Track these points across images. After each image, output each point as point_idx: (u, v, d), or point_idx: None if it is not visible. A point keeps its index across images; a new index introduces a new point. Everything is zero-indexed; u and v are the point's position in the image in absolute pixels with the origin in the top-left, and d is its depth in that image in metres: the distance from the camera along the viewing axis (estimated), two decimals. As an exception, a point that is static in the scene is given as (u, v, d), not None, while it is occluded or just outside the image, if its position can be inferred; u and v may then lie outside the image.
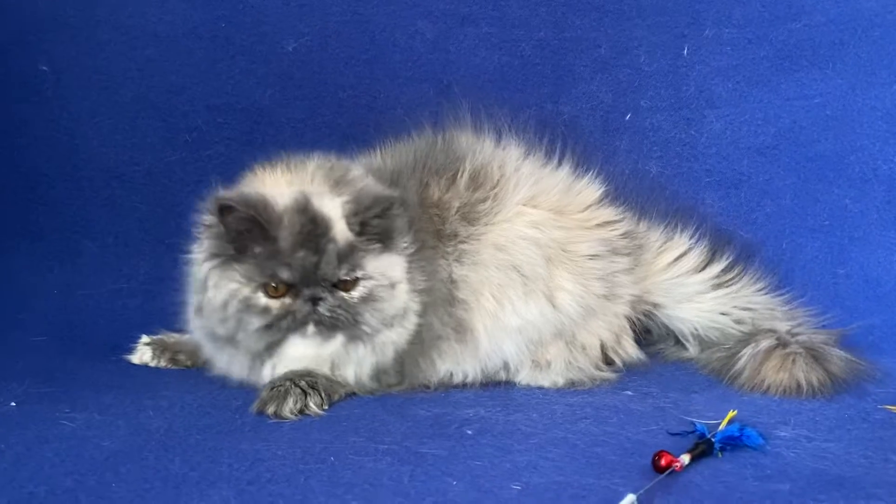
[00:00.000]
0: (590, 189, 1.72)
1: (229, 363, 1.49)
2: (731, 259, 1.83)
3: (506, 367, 1.60)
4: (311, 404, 1.40)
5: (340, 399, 1.49)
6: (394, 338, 1.48)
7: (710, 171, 2.01)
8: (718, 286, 1.80)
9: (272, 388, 1.41)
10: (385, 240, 1.44)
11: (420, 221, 1.53)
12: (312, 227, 1.38)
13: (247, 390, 1.49)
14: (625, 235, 1.70)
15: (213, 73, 1.99)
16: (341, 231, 1.40)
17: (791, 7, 1.96)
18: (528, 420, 1.38)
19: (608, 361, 1.68)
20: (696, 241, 1.84)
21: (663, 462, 1.16)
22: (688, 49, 1.99)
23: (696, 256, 1.82)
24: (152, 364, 1.70)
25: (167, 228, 1.94)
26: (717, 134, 2.00)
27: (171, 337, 1.74)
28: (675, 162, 2.02)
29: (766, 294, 1.83)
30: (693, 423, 1.32)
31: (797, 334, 1.67)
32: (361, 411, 1.43)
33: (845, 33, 1.94)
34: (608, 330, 1.65)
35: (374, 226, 1.42)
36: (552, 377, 1.60)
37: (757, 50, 1.97)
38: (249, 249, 1.38)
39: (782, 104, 1.98)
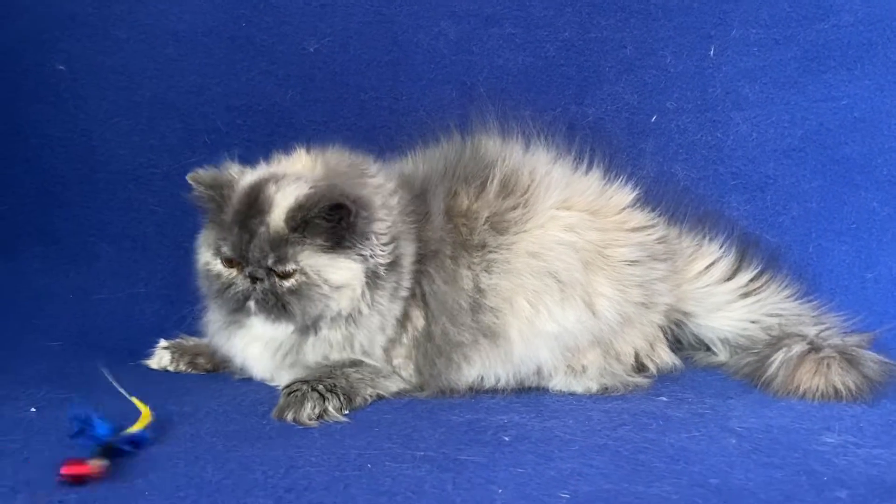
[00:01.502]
0: (622, 192, 1.69)
1: (210, 322, 1.56)
2: (759, 267, 1.81)
3: (539, 372, 1.56)
4: (331, 408, 1.39)
5: (364, 403, 1.46)
6: (339, 338, 1.46)
7: (737, 173, 1.98)
8: (747, 294, 1.78)
9: (289, 393, 1.40)
10: (338, 240, 1.41)
11: (442, 231, 1.51)
12: (248, 208, 1.40)
13: (272, 394, 1.47)
14: (660, 240, 1.67)
15: (233, 74, 1.96)
16: (276, 219, 1.40)
17: (819, 7, 1.94)
18: (565, 426, 1.35)
19: (641, 368, 1.64)
20: (725, 249, 1.82)
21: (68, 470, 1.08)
22: (714, 50, 1.96)
23: (726, 265, 1.80)
24: (171, 368, 1.68)
25: (185, 231, 1.87)
26: (744, 136, 1.98)
27: (190, 340, 1.71)
28: (700, 164, 1.99)
29: (794, 300, 1.81)
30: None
31: (828, 338, 1.64)
32: (392, 416, 1.40)
33: (874, 34, 1.92)
34: (643, 338, 1.62)
35: (319, 227, 1.40)
36: (586, 383, 1.56)
37: (784, 51, 1.95)
38: (214, 217, 1.46)
39: (809, 106, 1.96)
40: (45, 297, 1.95)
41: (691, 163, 1.99)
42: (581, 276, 1.52)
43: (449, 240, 1.52)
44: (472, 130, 1.68)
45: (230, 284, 1.43)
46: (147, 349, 1.72)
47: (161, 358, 1.68)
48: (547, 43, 1.97)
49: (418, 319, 1.51)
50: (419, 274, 1.50)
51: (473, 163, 1.59)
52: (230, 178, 1.47)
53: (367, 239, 1.43)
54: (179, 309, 1.87)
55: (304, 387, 1.40)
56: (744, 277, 1.79)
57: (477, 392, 1.54)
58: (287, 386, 1.43)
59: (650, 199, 1.79)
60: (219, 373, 1.65)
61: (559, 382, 1.57)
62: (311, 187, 1.42)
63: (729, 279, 1.79)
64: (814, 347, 1.60)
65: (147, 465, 1.15)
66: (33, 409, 1.38)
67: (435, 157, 1.62)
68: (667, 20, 1.96)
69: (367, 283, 1.44)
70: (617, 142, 1.96)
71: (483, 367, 1.53)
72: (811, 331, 1.67)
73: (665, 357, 1.68)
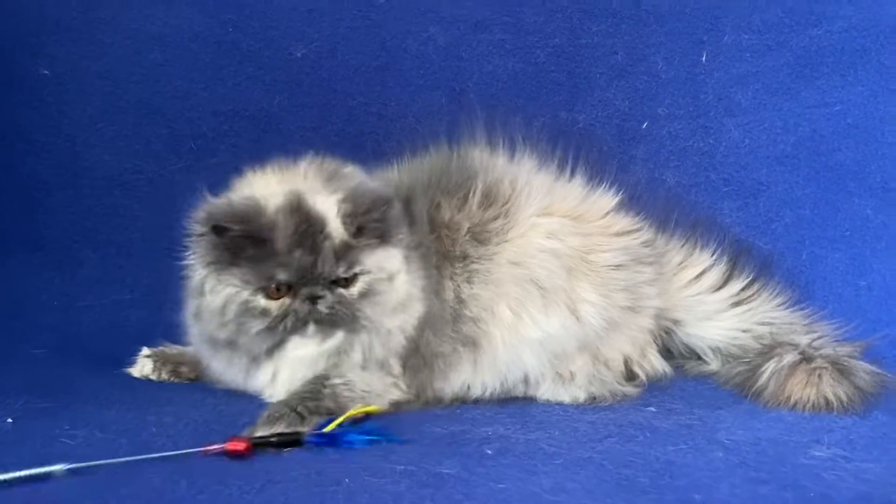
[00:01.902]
0: (606, 197, 1.68)
1: (226, 367, 1.48)
2: (751, 275, 1.80)
3: (526, 380, 1.54)
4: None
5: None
6: (398, 324, 1.45)
7: (729, 180, 1.97)
8: (738, 303, 1.76)
9: (268, 416, 1.34)
10: (382, 235, 1.41)
11: (428, 241, 1.50)
12: (307, 226, 1.35)
13: (254, 404, 1.44)
14: (646, 244, 1.65)
15: (219, 79, 1.94)
16: (337, 229, 1.37)
17: (812, 13, 1.92)
18: (550, 438, 1.32)
19: (631, 376, 1.62)
20: (717, 257, 1.80)
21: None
22: (706, 55, 1.95)
23: (717, 273, 1.78)
24: (153, 377, 1.64)
25: (171, 238, 1.83)
26: (736, 142, 1.96)
27: (174, 349, 1.68)
28: (692, 171, 1.98)
29: (786, 308, 1.79)
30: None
31: (820, 347, 1.62)
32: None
33: (867, 40, 1.91)
34: (632, 344, 1.60)
35: (371, 227, 1.39)
36: (574, 392, 1.54)
37: (777, 57, 1.94)
38: (245, 254, 1.36)
39: (802, 112, 1.94)
40: (28, 304, 1.93)
41: (683, 169, 1.98)
42: (564, 282, 1.50)
43: (434, 250, 1.51)
44: (461, 137, 1.66)
45: (285, 315, 1.36)
46: (132, 357, 1.68)
47: (143, 366, 1.65)
48: (537, 49, 1.96)
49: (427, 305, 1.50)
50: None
51: (458, 174, 1.57)
52: (252, 204, 1.37)
53: (397, 226, 1.44)
54: (165, 316, 1.86)
55: (285, 409, 1.34)
56: (735, 286, 1.78)
57: (463, 402, 1.52)
58: (268, 409, 1.36)
59: (640, 205, 1.77)
60: (202, 382, 1.61)
61: (546, 391, 1.55)
62: (342, 194, 1.40)
63: (720, 288, 1.77)
64: (805, 357, 1.58)
65: (119, 480, 1.12)
66: (10, 420, 1.35)
67: (419, 168, 1.60)
68: (658, 26, 1.95)
69: (406, 266, 1.44)
70: (607, 148, 1.94)
71: (467, 375, 1.51)
72: (803, 340, 1.65)
73: (656, 364, 1.66)
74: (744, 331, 1.73)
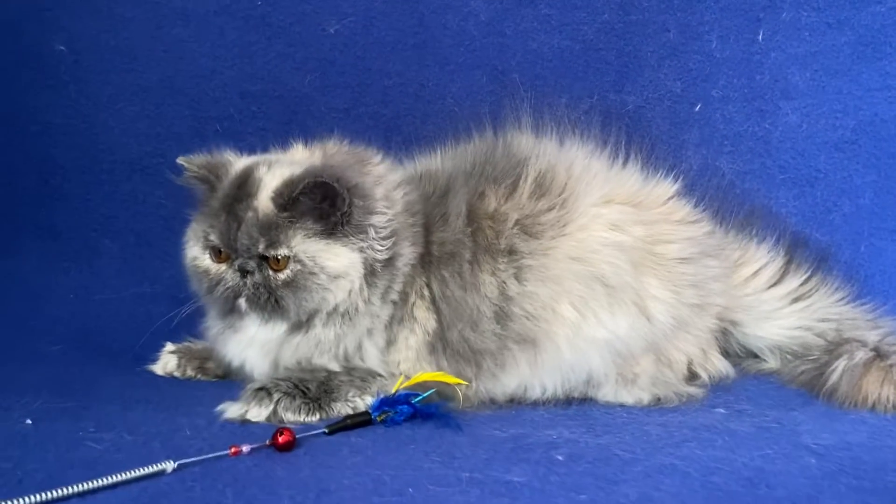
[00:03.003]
0: (664, 185, 1.56)
1: (209, 327, 1.46)
2: (808, 270, 1.71)
3: (588, 381, 1.43)
4: (281, 410, 1.30)
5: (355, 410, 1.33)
6: (331, 336, 1.36)
7: (785, 167, 1.88)
8: (797, 300, 1.67)
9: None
10: (329, 224, 1.32)
11: (461, 234, 1.40)
12: (236, 191, 1.33)
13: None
14: (710, 234, 1.54)
15: (246, 57, 1.86)
16: (265, 201, 1.32)
17: (876, -12, 1.82)
18: (622, 443, 1.21)
19: (692, 376, 1.51)
20: (772, 252, 1.71)
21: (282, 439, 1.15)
22: (763, 34, 1.85)
23: (773, 269, 1.69)
24: (178, 374, 1.57)
25: None
26: (793, 127, 1.87)
27: (199, 344, 1.60)
28: (747, 157, 1.88)
29: (846, 304, 1.69)
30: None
31: (892, 344, 1.52)
32: (427, 431, 1.26)
33: (935, 18, 1.81)
34: (696, 345, 1.50)
35: (302, 204, 1.30)
36: (637, 393, 1.43)
37: (837, 36, 1.84)
38: (202, 207, 1.38)
39: (863, 95, 1.85)
40: (43, 298, 1.85)
41: (737, 155, 1.89)
42: (631, 278, 1.39)
43: (469, 243, 1.40)
44: (504, 122, 1.57)
45: (219, 281, 1.34)
46: (153, 354, 1.60)
47: (167, 363, 1.57)
48: (585, 25, 1.86)
49: (428, 321, 1.40)
50: (430, 277, 1.40)
51: (504, 160, 1.47)
52: (225, 162, 1.40)
53: (364, 231, 1.33)
54: (189, 312, 1.76)
55: (269, 385, 1.33)
56: (793, 282, 1.68)
57: (519, 403, 1.41)
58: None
59: (693, 193, 1.66)
60: (230, 379, 1.50)
61: (608, 392, 1.44)
62: (303, 169, 1.34)
63: (777, 284, 1.68)
64: (879, 354, 1.48)
65: (160, 490, 1.01)
66: (28, 422, 1.24)
67: (463, 155, 1.51)
68: (713, 2, 1.85)
69: (364, 276, 1.34)
70: (658, 132, 1.85)
71: (524, 375, 1.40)
72: (871, 336, 1.55)
73: (718, 365, 1.55)
74: (805, 328, 1.63)
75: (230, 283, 1.32)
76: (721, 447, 1.20)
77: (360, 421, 1.27)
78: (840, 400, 1.43)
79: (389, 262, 1.35)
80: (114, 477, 1.01)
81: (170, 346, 1.60)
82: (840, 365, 1.47)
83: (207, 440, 1.19)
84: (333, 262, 1.32)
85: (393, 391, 1.33)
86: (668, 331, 1.42)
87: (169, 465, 1.06)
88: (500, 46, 1.85)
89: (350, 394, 1.35)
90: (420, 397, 1.31)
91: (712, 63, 1.86)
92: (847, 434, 1.27)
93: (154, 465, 1.05)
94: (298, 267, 1.30)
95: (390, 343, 1.39)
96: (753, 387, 1.55)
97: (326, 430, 1.23)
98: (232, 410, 1.31)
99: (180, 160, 1.39)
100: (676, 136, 1.87)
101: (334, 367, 1.37)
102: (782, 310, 1.65)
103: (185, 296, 1.73)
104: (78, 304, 1.83)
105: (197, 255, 1.37)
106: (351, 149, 1.46)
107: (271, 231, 1.29)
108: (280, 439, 1.15)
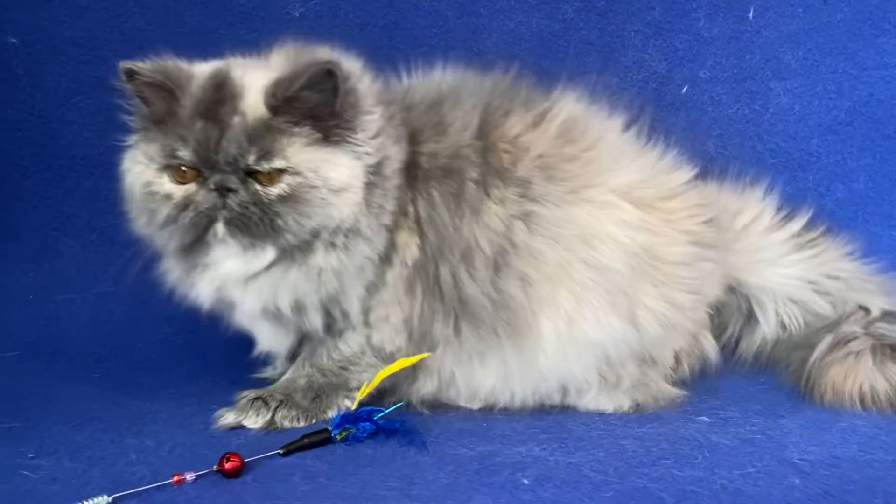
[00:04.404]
0: (681, 171, 1.44)
1: (167, 272, 1.29)
2: (810, 215, 1.62)
3: (563, 389, 1.34)
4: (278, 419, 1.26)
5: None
6: (334, 264, 1.20)
7: (776, 150, 1.83)
8: (801, 247, 1.58)
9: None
10: (325, 127, 1.17)
11: (468, 149, 1.27)
12: (215, 93, 1.14)
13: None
14: (710, 222, 1.42)
15: (208, 44, 1.68)
16: (254, 104, 1.15)
17: (874, -38, 1.76)
18: (595, 462, 1.14)
19: (678, 360, 1.43)
20: (769, 194, 1.63)
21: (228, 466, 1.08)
22: (754, 11, 1.79)
23: (772, 214, 1.60)
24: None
25: None
26: (785, 109, 1.82)
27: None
28: (736, 141, 1.84)
29: (855, 261, 1.60)
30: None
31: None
32: (389, 450, 1.19)
33: (936, -8, 1.75)
34: (686, 338, 1.41)
35: (300, 102, 1.14)
36: (619, 399, 1.35)
37: (833, 12, 1.78)
38: (155, 118, 1.18)
39: (858, 74, 1.80)
40: (1, 300, 1.76)
41: (726, 139, 1.84)
42: (628, 284, 1.29)
43: (478, 160, 1.27)
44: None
45: (187, 205, 1.15)
46: (117, 354, 1.57)
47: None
48: (565, 4, 1.79)
49: (409, 248, 1.27)
50: (415, 194, 1.26)
51: (534, 92, 1.37)
52: (181, 65, 1.20)
53: (356, 131, 1.19)
54: (153, 309, 1.70)
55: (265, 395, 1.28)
56: (794, 227, 1.60)
57: (490, 410, 1.34)
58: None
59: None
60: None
61: (590, 401, 1.35)
62: (286, 68, 1.19)
63: (777, 229, 1.59)
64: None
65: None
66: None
67: (476, 77, 1.38)
68: (701, -23, 1.77)
69: (365, 186, 1.19)
70: (643, 115, 1.75)
71: (501, 375, 1.31)
72: (877, 303, 1.50)
73: (707, 347, 1.46)
74: (809, 282, 1.54)
75: (204, 206, 1.14)
76: (700, 465, 1.13)
77: (319, 440, 1.20)
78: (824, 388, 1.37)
79: (379, 168, 1.21)
80: (41, 516, 0.95)
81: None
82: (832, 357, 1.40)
83: (153, 465, 1.12)
84: (336, 172, 1.16)
85: (355, 404, 1.27)
86: (658, 339, 1.33)
87: (103, 500, 0.99)
88: (476, 27, 1.77)
89: (339, 399, 1.31)
90: (383, 413, 1.24)
91: (700, 42, 1.79)
92: (836, 447, 1.20)
93: (86, 502, 0.98)
94: (298, 179, 1.15)
95: (372, 285, 1.26)
96: (742, 390, 1.47)
97: (281, 452, 1.16)
98: (229, 419, 1.26)
99: (126, 64, 1.17)
100: (663, 119, 1.74)
101: (319, 317, 1.26)
102: (785, 257, 1.56)
103: (149, 294, 1.69)
104: (37, 305, 1.76)
105: (151, 178, 1.17)
106: (310, 48, 1.27)
107: (264, 139, 1.13)
108: (227, 465, 1.08)
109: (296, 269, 1.20)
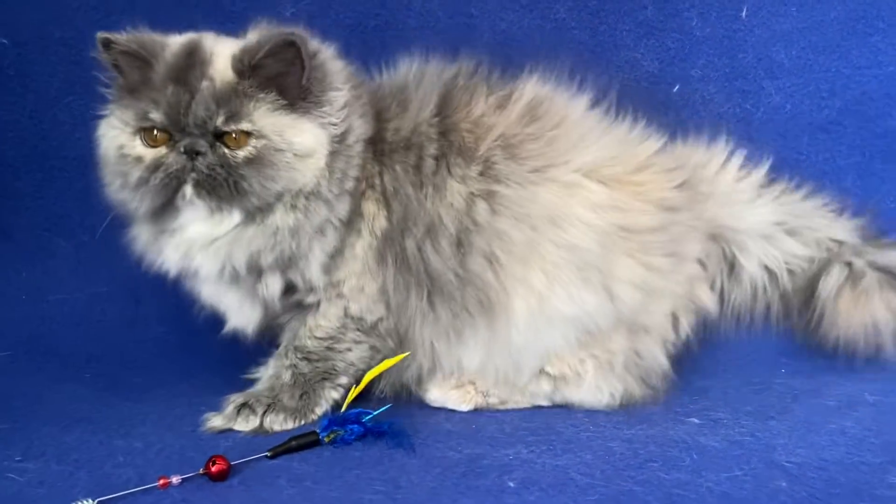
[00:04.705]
0: (650, 142, 1.47)
1: (135, 238, 1.32)
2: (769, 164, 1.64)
3: (557, 379, 1.37)
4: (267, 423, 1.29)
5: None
6: (290, 223, 1.22)
7: (766, 149, 1.75)
8: (767, 191, 1.61)
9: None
10: (292, 97, 1.20)
11: (428, 126, 1.32)
12: (187, 60, 1.19)
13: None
14: (682, 186, 1.43)
15: None
16: (222, 69, 1.19)
17: (869, -40, 1.73)
18: (582, 465, 1.14)
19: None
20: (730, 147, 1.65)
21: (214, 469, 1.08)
22: (747, 11, 1.75)
23: (737, 162, 1.63)
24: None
25: None
26: (776, 108, 1.78)
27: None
28: (726, 139, 1.74)
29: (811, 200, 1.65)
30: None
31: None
32: (376, 452, 1.20)
33: (930, -9, 1.72)
34: (677, 296, 1.42)
35: (266, 69, 1.18)
36: (612, 383, 1.38)
37: (826, 11, 1.75)
38: (129, 85, 1.22)
39: (851, 73, 1.77)
40: (-6, 300, 1.76)
41: (717, 138, 1.74)
42: (601, 262, 1.31)
43: (436, 136, 1.32)
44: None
45: (157, 167, 1.18)
46: (109, 354, 1.57)
47: None
48: (557, 3, 1.76)
49: (378, 219, 1.31)
50: (382, 167, 1.31)
51: (498, 77, 1.41)
52: (156, 37, 1.25)
53: (322, 105, 1.23)
54: (145, 309, 1.70)
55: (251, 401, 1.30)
56: (759, 173, 1.63)
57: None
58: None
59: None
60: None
61: (586, 391, 1.38)
62: (259, 35, 1.24)
63: (745, 177, 1.62)
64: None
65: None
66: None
67: (440, 66, 1.41)
68: (694, -24, 1.75)
69: (329, 154, 1.23)
70: (635, 114, 1.74)
71: (479, 349, 1.34)
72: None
73: (704, 298, 1.48)
74: (782, 225, 1.58)
75: (174, 168, 1.17)
76: (687, 468, 1.13)
77: (307, 442, 1.20)
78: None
79: (343, 138, 1.25)
80: (24, 521, 0.95)
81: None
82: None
83: (139, 468, 1.13)
84: (300, 138, 1.20)
85: (343, 407, 1.27)
86: (641, 306, 1.35)
87: (87, 504, 0.99)
88: (468, 27, 1.75)
89: (325, 392, 1.33)
90: (371, 415, 1.24)
91: (692, 41, 1.76)
92: (824, 449, 1.21)
93: (71, 504, 0.98)
94: (264, 142, 1.18)
95: (337, 253, 1.29)
96: (733, 390, 1.49)
97: (269, 454, 1.16)
98: (216, 423, 1.28)
99: (103, 34, 1.22)
100: (654, 118, 1.73)
101: (277, 283, 1.28)
102: (757, 199, 1.59)
103: (141, 295, 1.69)
104: (30, 305, 1.75)
105: (124, 142, 1.21)
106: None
107: (231, 102, 1.17)
108: (213, 469, 1.08)
109: (253, 228, 1.23)
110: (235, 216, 1.22)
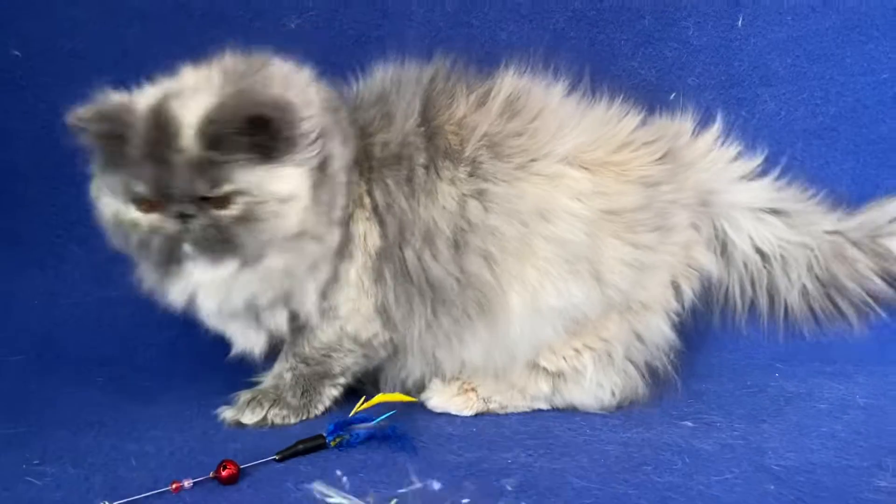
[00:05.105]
0: (628, 118, 1.48)
1: (143, 278, 1.35)
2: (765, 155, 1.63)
3: (557, 376, 1.41)
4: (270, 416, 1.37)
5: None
6: (280, 265, 1.25)
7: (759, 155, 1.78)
8: (761, 174, 1.61)
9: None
10: (264, 152, 1.20)
11: (414, 136, 1.34)
12: (157, 134, 1.18)
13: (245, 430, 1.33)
14: (663, 158, 1.45)
15: (205, 55, 1.75)
16: (191, 140, 1.18)
17: (864, -32, 1.75)
18: (578, 468, 1.18)
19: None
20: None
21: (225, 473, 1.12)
22: (743, 19, 1.78)
23: (735, 144, 1.61)
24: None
25: None
26: (771, 114, 1.81)
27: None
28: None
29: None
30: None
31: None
32: (379, 457, 1.23)
33: (925, -1, 1.74)
34: (671, 269, 1.43)
35: (237, 141, 1.18)
36: (612, 377, 1.42)
37: (821, 19, 1.77)
38: (112, 160, 1.23)
39: (846, 81, 1.79)
40: (5, 305, 1.80)
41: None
42: (588, 251, 1.34)
43: (423, 145, 1.34)
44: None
45: (155, 231, 1.21)
46: (120, 358, 1.59)
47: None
48: (556, 13, 1.79)
49: (371, 237, 1.33)
50: (371, 184, 1.33)
51: (475, 73, 1.43)
52: (123, 104, 1.24)
53: (295, 144, 1.23)
54: (156, 314, 1.73)
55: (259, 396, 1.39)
56: (756, 159, 1.62)
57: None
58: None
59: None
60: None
61: (587, 389, 1.42)
62: (217, 98, 1.22)
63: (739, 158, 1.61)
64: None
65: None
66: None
67: (417, 68, 1.43)
68: (690, -14, 1.77)
69: (311, 189, 1.24)
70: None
71: (480, 348, 1.38)
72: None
73: (704, 261, 1.48)
74: (772, 200, 1.57)
75: (170, 231, 1.20)
76: (679, 471, 1.17)
77: (313, 445, 1.24)
78: None
79: (324, 168, 1.26)
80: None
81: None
82: None
83: (153, 472, 1.16)
84: (279, 185, 1.21)
85: (351, 414, 1.31)
86: (634, 284, 1.37)
87: (104, 507, 1.04)
88: (468, 37, 1.77)
89: (325, 389, 1.40)
90: (376, 420, 1.28)
91: (689, 50, 1.79)
92: (813, 452, 1.24)
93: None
94: (247, 198, 1.19)
95: (332, 280, 1.32)
96: (728, 393, 1.52)
97: (277, 457, 1.21)
98: (228, 414, 1.37)
99: (72, 119, 1.24)
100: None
101: (280, 315, 1.33)
102: (749, 178, 1.59)
103: (151, 298, 1.73)
104: (42, 310, 1.79)
105: (119, 208, 1.23)
106: (247, 59, 1.34)
107: (207, 171, 1.18)
108: (223, 473, 1.12)
109: (249, 272, 1.25)
110: (234, 263, 1.24)
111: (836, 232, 1.57)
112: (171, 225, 1.20)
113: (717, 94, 1.80)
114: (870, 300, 1.57)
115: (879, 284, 1.56)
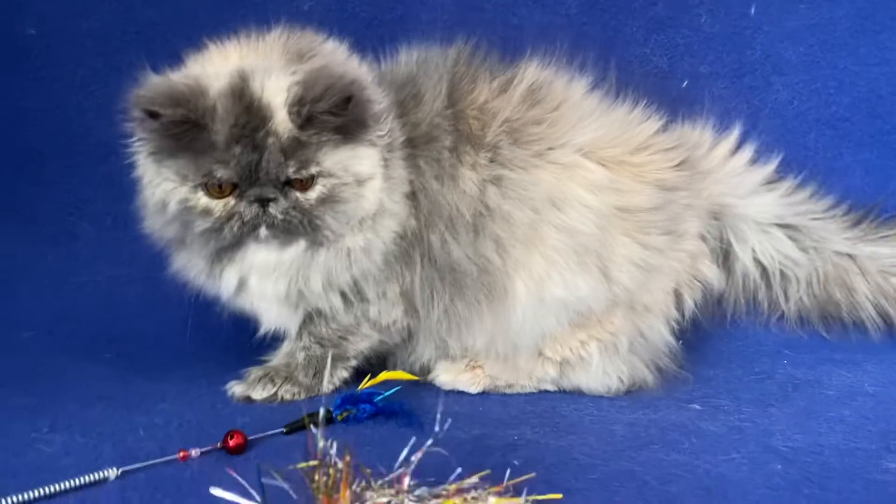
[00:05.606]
0: (650, 122, 1.49)
1: (186, 266, 1.33)
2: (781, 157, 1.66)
3: (563, 364, 1.42)
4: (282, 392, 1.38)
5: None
6: (361, 243, 1.27)
7: (772, 145, 1.77)
8: (776, 186, 1.63)
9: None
10: (346, 130, 1.21)
11: (440, 118, 1.34)
12: (248, 117, 1.17)
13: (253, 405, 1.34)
14: (682, 164, 1.46)
15: (220, 36, 1.77)
16: (284, 122, 1.19)
17: (879, -44, 1.75)
18: (585, 445, 1.18)
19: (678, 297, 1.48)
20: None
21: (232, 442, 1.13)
22: (756, 8, 1.77)
23: (750, 152, 1.65)
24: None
25: None
26: (783, 104, 1.80)
27: None
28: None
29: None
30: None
31: None
32: (386, 431, 1.24)
33: (941, -12, 1.73)
34: (678, 272, 1.45)
35: (326, 120, 1.19)
36: (618, 366, 1.42)
37: (835, 8, 1.76)
38: (183, 143, 1.18)
39: (860, 70, 1.78)
40: (17, 282, 1.81)
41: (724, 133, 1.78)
42: (599, 244, 1.35)
43: (449, 128, 1.34)
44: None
45: (230, 216, 1.20)
46: (130, 335, 1.60)
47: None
48: (569, -1, 1.79)
49: (408, 218, 1.33)
50: (406, 164, 1.32)
51: (498, 60, 1.43)
52: (193, 87, 1.19)
53: (374, 123, 1.25)
54: (165, 292, 1.74)
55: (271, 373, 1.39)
56: (770, 167, 1.65)
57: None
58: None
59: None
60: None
61: (593, 375, 1.42)
62: (298, 77, 1.21)
63: (755, 166, 1.64)
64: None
65: (97, 500, 1.00)
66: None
67: (440, 51, 1.43)
68: (703, -26, 1.77)
69: (383, 168, 1.26)
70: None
71: (483, 335, 1.39)
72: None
73: (707, 273, 1.50)
74: (780, 216, 1.58)
75: (248, 217, 1.19)
76: (686, 451, 1.17)
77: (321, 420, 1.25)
78: None
79: (391, 147, 1.28)
80: (53, 487, 1.00)
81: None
82: None
83: (160, 441, 1.17)
84: (360, 165, 1.23)
85: (359, 389, 1.32)
86: (639, 285, 1.38)
87: (112, 473, 1.04)
88: (481, 21, 1.76)
89: (337, 371, 1.41)
90: (383, 395, 1.29)
91: (701, 38, 1.78)
92: (821, 435, 1.25)
93: (96, 474, 1.03)
94: (333, 181, 1.21)
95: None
96: (736, 379, 1.52)
97: (284, 430, 1.21)
98: (238, 389, 1.37)
99: (144, 101, 1.18)
100: (662, 114, 1.79)
101: (336, 295, 1.32)
102: (763, 190, 1.61)
103: (161, 277, 1.74)
104: (53, 288, 1.80)
105: (186, 195, 1.20)
106: (300, 36, 1.34)
107: (298, 152, 1.18)
108: (231, 442, 1.13)
109: (325, 252, 1.26)
110: (302, 244, 1.26)
111: (846, 255, 1.58)
112: (249, 209, 1.20)
113: (730, 82, 1.79)
114: (863, 323, 1.60)
115: (871, 312, 1.59)
